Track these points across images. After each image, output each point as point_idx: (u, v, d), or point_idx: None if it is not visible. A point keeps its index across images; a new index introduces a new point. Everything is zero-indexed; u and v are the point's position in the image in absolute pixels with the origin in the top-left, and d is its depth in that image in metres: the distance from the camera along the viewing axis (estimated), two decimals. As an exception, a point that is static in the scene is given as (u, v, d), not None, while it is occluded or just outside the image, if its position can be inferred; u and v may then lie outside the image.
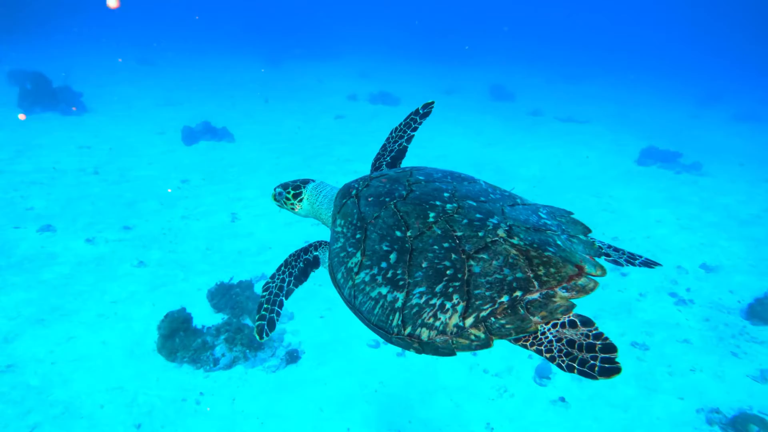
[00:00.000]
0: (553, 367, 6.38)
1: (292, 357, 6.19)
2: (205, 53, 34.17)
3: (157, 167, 12.81)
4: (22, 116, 15.22)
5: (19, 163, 12.23)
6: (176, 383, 5.80)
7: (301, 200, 2.90)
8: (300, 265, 2.65)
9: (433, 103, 3.15)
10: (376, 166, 3.07)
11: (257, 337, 2.35)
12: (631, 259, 2.43)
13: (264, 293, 2.53)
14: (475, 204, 2.20)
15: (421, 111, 3.14)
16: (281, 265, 2.64)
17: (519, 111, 24.00)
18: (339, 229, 2.39)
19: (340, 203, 2.51)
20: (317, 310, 7.10)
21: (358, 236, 2.24)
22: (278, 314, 2.46)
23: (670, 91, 33.07)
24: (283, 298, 2.53)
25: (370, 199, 2.34)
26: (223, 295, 6.87)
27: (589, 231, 2.22)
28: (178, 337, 5.92)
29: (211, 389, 5.76)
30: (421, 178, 2.43)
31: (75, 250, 8.48)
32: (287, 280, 2.59)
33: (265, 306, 2.47)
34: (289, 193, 2.91)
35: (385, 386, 6.06)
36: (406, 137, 3.11)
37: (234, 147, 15.02)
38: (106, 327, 6.63)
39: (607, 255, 2.42)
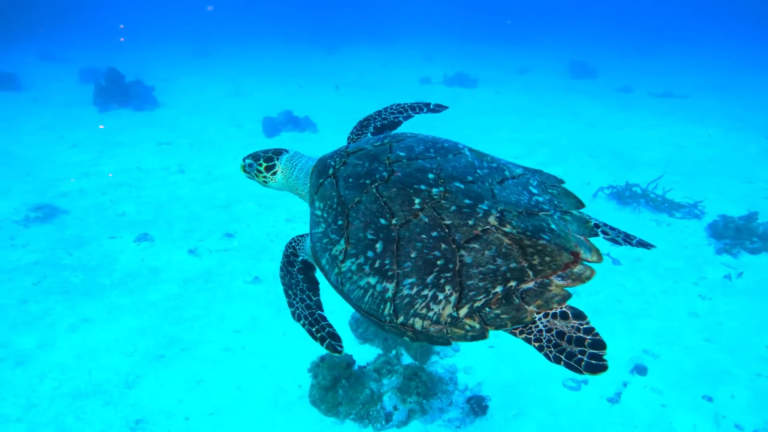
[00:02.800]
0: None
1: (479, 406, 4.79)
2: (260, 43, 33.26)
3: (243, 163, 11.67)
4: (101, 126, 14.49)
5: (102, 164, 11.37)
6: (341, 445, 4.52)
7: (274, 173, 2.73)
8: (300, 278, 2.52)
9: (446, 108, 3.12)
10: (363, 124, 2.94)
11: (335, 355, 2.29)
12: (628, 238, 2.34)
13: (300, 321, 2.39)
14: (462, 186, 2.08)
15: (432, 105, 3.12)
16: (285, 290, 2.49)
17: (606, 88, 21.97)
18: (319, 212, 2.27)
19: (317, 182, 2.37)
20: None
21: (339, 222, 2.14)
22: (330, 326, 2.36)
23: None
24: (320, 311, 2.42)
25: (349, 181, 2.21)
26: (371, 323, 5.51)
27: (582, 206, 2.19)
28: (341, 388, 4.62)
29: (385, 454, 4.44)
30: (402, 154, 2.27)
31: (178, 263, 7.37)
32: (305, 296, 2.46)
33: (314, 328, 2.35)
34: (260, 165, 2.73)
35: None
36: (405, 114, 3.04)
37: (318, 138, 13.77)
38: (235, 366, 5.43)
39: (605, 233, 2.32)
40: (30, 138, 12.97)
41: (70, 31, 32.49)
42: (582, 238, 1.99)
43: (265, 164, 2.72)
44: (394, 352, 5.44)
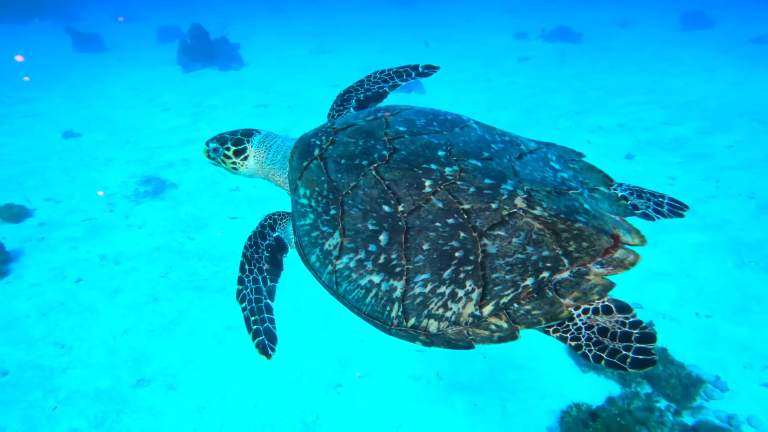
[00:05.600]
0: None
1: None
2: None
3: (352, 129, 10.40)
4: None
5: (200, 129, 10.39)
6: None
7: (245, 158, 2.35)
8: (266, 255, 2.16)
9: (437, 68, 2.64)
10: (344, 98, 2.55)
11: (264, 357, 1.97)
12: (659, 207, 2.03)
13: (242, 304, 2.07)
14: (480, 164, 1.80)
15: (420, 69, 2.65)
16: (242, 263, 2.13)
17: (733, 40, 18.96)
18: (305, 201, 1.95)
19: (300, 166, 2.02)
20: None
21: (332, 212, 1.84)
22: (272, 321, 2.05)
23: None
24: (268, 301, 2.09)
25: (341, 162, 1.89)
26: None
27: (612, 182, 1.93)
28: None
29: None
30: (402, 129, 1.95)
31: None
32: (260, 278, 2.12)
33: (253, 318, 2.03)
34: (228, 149, 2.35)
35: None
36: (391, 83, 2.65)
37: (427, 99, 12.25)
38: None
39: (635, 207, 1.99)
40: (123, 101, 12.19)
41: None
42: (618, 218, 1.76)
43: (233, 148, 2.36)
44: (633, 386, 4.10)
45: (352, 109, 2.54)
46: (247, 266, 2.15)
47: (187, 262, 5.95)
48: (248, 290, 2.12)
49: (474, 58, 16.62)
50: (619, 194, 1.91)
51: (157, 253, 6.12)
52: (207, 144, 2.42)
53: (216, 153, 2.41)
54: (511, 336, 1.61)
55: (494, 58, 16.60)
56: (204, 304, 5.26)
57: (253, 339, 2.01)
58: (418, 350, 4.60)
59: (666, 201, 2.06)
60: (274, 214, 2.27)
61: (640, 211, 2.01)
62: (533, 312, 1.60)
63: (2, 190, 7.51)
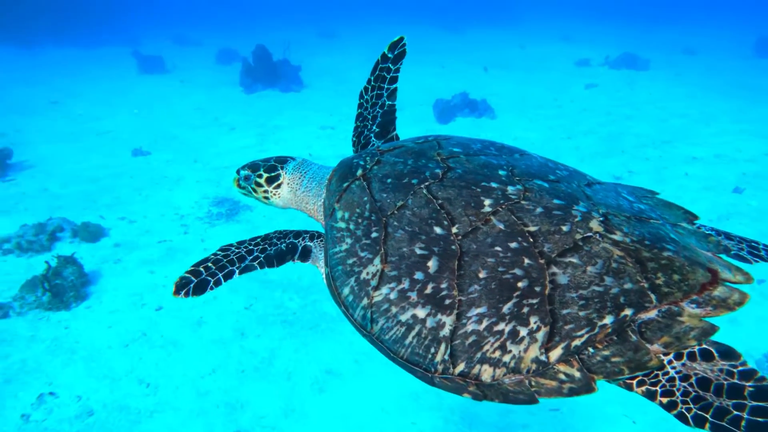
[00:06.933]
0: None
1: None
2: (380, 25, 31.69)
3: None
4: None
5: (267, 149, 10.11)
6: None
7: (278, 185, 2.18)
8: (281, 247, 1.97)
9: (402, 39, 2.29)
10: (360, 143, 2.34)
11: (172, 292, 1.82)
12: (754, 250, 1.71)
13: (218, 252, 1.94)
14: (547, 185, 1.60)
15: (390, 54, 2.29)
16: (259, 237, 2.01)
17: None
18: (342, 225, 1.73)
19: (339, 188, 1.83)
20: None
21: (374, 235, 1.63)
22: (217, 284, 1.87)
23: None
24: (236, 271, 1.89)
25: (387, 182, 1.71)
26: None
27: (695, 218, 1.68)
28: None
29: None
30: (457, 150, 1.79)
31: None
32: (255, 253, 1.94)
33: (208, 265, 1.89)
34: (260, 176, 2.18)
35: None
36: (386, 94, 2.34)
37: (499, 124, 11.71)
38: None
39: (727, 249, 1.66)
40: (189, 120, 12.12)
41: (198, 16, 32.96)
42: (710, 254, 1.51)
43: (266, 175, 2.18)
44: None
45: (372, 135, 2.35)
46: (259, 239, 1.99)
47: (272, 293, 5.48)
48: (235, 251, 1.95)
49: (538, 85, 16.06)
50: (706, 231, 1.66)
51: (238, 280, 5.67)
52: (238, 172, 2.23)
53: (247, 181, 2.22)
54: (585, 388, 1.33)
55: (560, 85, 16.00)
56: (296, 343, 4.74)
57: (185, 273, 1.86)
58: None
59: (762, 246, 1.76)
60: (312, 233, 2.05)
61: (733, 252, 1.70)
62: (613, 359, 1.33)
63: (77, 206, 7.30)
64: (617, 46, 20.80)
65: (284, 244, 2.01)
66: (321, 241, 2.02)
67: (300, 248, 2.00)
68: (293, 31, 29.42)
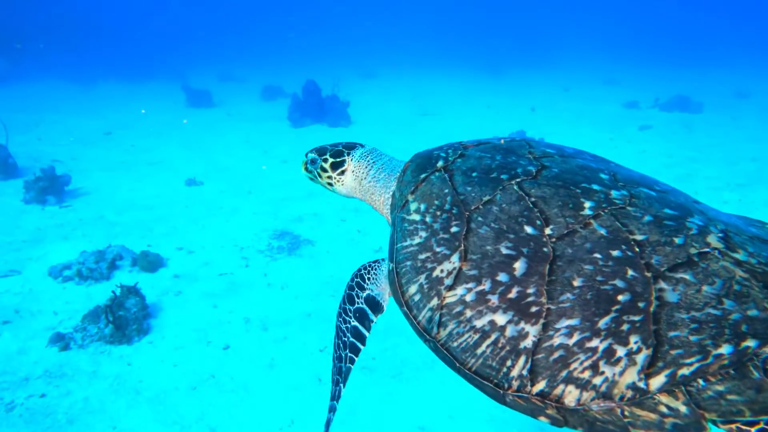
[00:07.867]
0: None
1: None
2: (417, 67, 32.03)
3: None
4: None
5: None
6: None
7: (342, 172, 2.14)
8: (351, 325, 1.88)
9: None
10: None
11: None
12: None
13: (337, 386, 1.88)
14: (654, 194, 1.45)
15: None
16: (336, 332, 1.93)
17: None
18: (416, 217, 1.61)
19: (414, 178, 1.73)
20: None
21: (454, 230, 1.50)
22: (333, 410, 1.84)
23: None
24: (342, 386, 1.86)
25: (472, 175, 1.59)
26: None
27: None
28: None
29: None
30: (550, 151, 1.65)
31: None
32: (343, 354, 1.89)
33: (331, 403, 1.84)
34: (326, 161, 2.16)
35: None
36: None
37: (557, 165, 11.26)
38: None
39: None
40: (238, 151, 12.06)
41: (241, 55, 34.01)
42: None
43: (331, 160, 2.14)
44: None
45: None
46: (337, 340, 1.93)
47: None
48: (335, 369, 1.88)
49: (589, 126, 15.68)
50: None
51: (309, 320, 5.25)
52: (306, 155, 2.21)
53: (314, 165, 2.20)
54: (695, 426, 1.11)
55: (612, 126, 15.59)
56: (380, 392, 4.25)
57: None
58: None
59: None
60: (360, 270, 1.93)
61: None
62: (728, 396, 1.10)
63: (134, 235, 7.07)
64: (663, 90, 20.41)
65: (352, 321, 1.89)
66: (374, 268, 1.92)
67: (367, 310, 1.88)
68: (334, 70, 30.02)
